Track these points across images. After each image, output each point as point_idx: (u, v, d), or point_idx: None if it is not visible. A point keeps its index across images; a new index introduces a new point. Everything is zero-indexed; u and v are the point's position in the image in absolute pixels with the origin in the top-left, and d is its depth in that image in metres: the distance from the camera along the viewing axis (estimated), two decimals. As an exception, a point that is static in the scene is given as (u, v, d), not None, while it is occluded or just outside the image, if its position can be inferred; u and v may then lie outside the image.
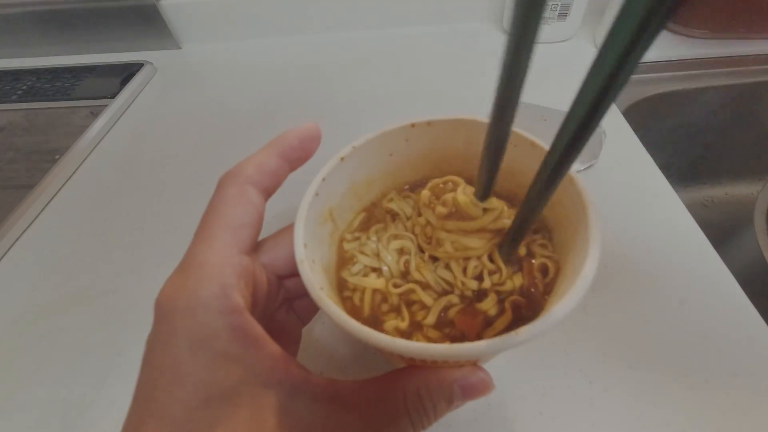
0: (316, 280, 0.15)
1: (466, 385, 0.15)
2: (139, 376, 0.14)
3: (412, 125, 0.21)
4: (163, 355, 0.14)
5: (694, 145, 0.54)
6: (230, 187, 0.16)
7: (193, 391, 0.13)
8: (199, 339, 0.13)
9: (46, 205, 0.38)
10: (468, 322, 0.17)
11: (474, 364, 0.17)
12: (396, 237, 0.20)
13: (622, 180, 0.35)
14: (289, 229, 0.18)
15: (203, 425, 0.13)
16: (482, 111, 0.48)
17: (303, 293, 0.20)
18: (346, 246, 0.21)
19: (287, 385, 0.14)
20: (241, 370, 0.14)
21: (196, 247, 0.15)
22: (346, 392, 0.15)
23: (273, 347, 0.15)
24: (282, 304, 0.20)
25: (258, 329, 0.15)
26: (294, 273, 0.18)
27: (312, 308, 0.21)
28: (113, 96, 0.49)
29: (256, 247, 0.17)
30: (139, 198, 0.38)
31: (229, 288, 0.14)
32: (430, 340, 0.17)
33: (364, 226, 0.22)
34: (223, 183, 0.16)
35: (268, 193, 0.17)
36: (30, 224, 0.37)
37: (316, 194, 0.18)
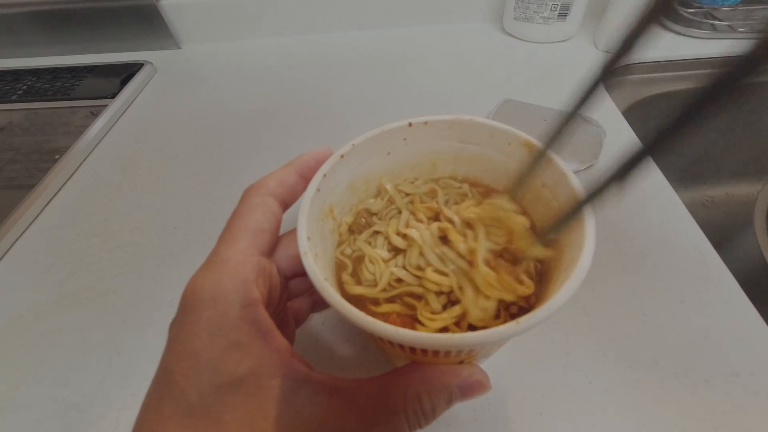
0: (320, 271, 0.16)
1: (464, 386, 0.16)
2: (161, 360, 0.15)
3: (410, 124, 0.21)
4: (185, 342, 0.15)
5: (694, 145, 0.54)
6: (253, 198, 0.18)
7: (209, 377, 0.14)
8: (218, 327, 0.14)
9: (46, 205, 0.38)
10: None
11: (472, 359, 0.17)
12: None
13: (622, 180, 0.35)
14: (292, 232, 0.19)
15: (214, 410, 0.14)
16: (480, 111, 0.48)
17: (299, 293, 0.21)
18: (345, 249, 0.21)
19: (291, 379, 0.15)
20: (251, 361, 0.15)
21: (220, 246, 0.17)
22: (346, 388, 0.15)
23: (281, 341, 0.16)
24: (285, 304, 0.20)
25: (270, 323, 0.16)
26: (296, 274, 0.19)
27: (303, 311, 0.22)
28: (113, 96, 0.49)
29: (272, 251, 0.19)
30: (139, 198, 0.38)
31: (249, 283, 0.16)
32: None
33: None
34: (247, 194, 0.18)
35: (285, 205, 0.19)
36: (30, 224, 0.37)
37: (318, 190, 0.18)
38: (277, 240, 0.19)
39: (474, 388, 0.16)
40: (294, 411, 0.14)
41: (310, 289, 0.21)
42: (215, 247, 0.17)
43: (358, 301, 0.19)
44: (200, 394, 0.14)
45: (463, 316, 0.17)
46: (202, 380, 0.14)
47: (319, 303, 0.23)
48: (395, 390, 0.15)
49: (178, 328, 0.15)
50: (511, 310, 0.18)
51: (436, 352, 0.15)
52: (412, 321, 0.18)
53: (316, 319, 0.28)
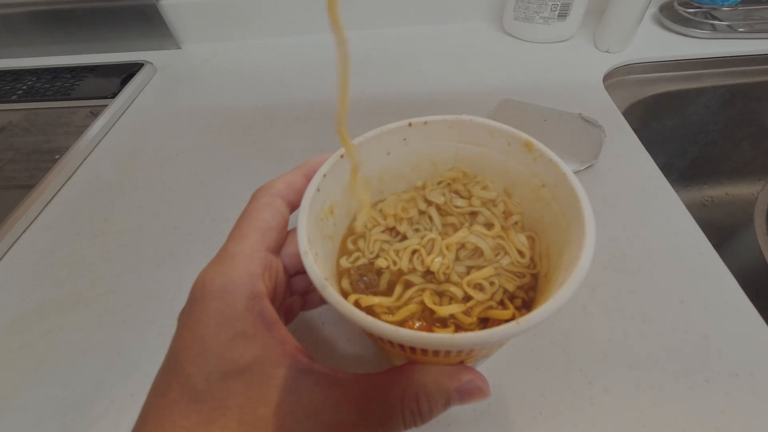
0: (320, 271, 0.16)
1: (463, 390, 0.16)
2: (170, 347, 0.16)
3: (410, 124, 0.21)
4: (193, 330, 0.15)
5: (694, 145, 0.54)
6: (262, 198, 0.19)
7: (214, 364, 0.15)
8: (225, 318, 0.15)
9: (46, 205, 0.38)
10: None
11: (472, 359, 0.17)
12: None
13: (622, 180, 0.35)
14: (295, 231, 0.19)
15: (219, 396, 0.14)
16: (480, 111, 0.48)
17: (300, 290, 0.21)
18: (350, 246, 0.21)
19: (293, 368, 0.15)
20: (255, 350, 0.15)
21: (229, 243, 0.18)
22: (346, 381, 0.16)
23: (285, 333, 0.16)
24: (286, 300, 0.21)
25: (274, 315, 0.16)
26: (297, 271, 0.20)
27: (294, 309, 0.22)
28: (113, 96, 0.49)
29: (279, 249, 0.19)
30: (139, 198, 0.38)
31: (255, 277, 0.16)
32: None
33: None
34: (257, 195, 0.19)
35: (293, 206, 0.20)
36: (30, 224, 0.37)
37: (318, 190, 0.18)
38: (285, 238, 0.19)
39: (473, 393, 0.16)
40: (294, 398, 0.15)
41: (309, 287, 0.21)
42: (225, 244, 0.18)
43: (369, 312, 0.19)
44: (206, 380, 0.14)
45: (474, 305, 0.18)
46: (208, 367, 0.15)
47: (310, 302, 0.23)
48: (394, 388, 0.16)
49: (187, 317, 0.16)
50: (515, 303, 0.18)
51: (436, 352, 0.15)
52: (429, 325, 0.18)
53: (315, 318, 0.28)
